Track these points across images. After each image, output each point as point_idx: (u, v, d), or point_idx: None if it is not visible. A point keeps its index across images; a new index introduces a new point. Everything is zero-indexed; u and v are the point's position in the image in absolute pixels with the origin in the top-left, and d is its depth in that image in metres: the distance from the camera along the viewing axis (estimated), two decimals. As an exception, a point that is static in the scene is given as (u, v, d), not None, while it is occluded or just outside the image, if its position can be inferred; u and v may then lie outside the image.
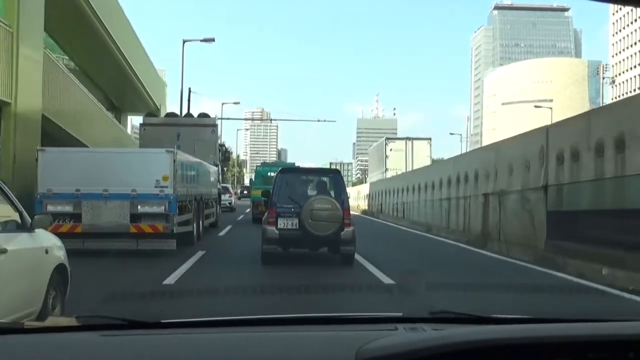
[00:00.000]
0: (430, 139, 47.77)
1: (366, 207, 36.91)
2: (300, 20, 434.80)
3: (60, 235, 10.34)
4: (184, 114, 24.38)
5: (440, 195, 19.06)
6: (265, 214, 10.91)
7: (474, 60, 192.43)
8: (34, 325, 1.78)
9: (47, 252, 5.25)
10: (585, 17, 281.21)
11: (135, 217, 11.12)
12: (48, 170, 11.09)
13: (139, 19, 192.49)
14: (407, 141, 47.00)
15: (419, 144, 46.47)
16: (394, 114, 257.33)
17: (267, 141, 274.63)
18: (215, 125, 19.83)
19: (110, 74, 27.01)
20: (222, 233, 17.36)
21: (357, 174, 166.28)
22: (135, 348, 1.54)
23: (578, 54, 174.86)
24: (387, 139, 49.77)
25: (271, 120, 53.40)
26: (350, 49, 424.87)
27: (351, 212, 10.89)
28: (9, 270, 4.54)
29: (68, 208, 10.99)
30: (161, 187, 11.10)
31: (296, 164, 28.46)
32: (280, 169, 13.11)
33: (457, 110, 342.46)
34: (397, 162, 44.72)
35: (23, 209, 5.06)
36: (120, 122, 32.15)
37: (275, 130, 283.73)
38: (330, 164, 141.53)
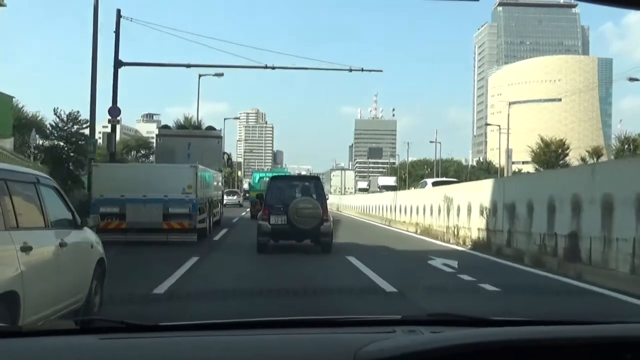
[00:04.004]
0: (355, 169, 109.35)
1: (480, 235, 15.73)
2: (295, 17, 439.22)
3: (109, 231, 14.81)
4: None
5: None
6: (260, 212, 14.20)
7: (477, 58, 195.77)
8: (32, 329, 1.87)
9: (92, 246, 6.29)
10: (592, 13, 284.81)
11: (167, 216, 15.19)
12: (100, 180, 15.33)
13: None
14: (342, 171, 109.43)
15: (349, 173, 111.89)
16: (393, 115, 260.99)
17: (262, 143, 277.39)
18: (221, 137, 24.26)
19: None
20: (234, 220, 26.65)
21: (356, 178, 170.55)
22: (133, 351, 1.62)
23: (585, 52, 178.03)
24: (332, 169, 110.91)
25: (271, 67, 33.45)
26: (347, 46, 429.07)
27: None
28: (67, 261, 5.41)
29: (115, 209, 15.05)
30: (186, 193, 15.23)
31: (288, 168, 34.32)
32: (272, 176, 17.49)
33: (459, 110, 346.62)
34: (337, 184, 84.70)
35: (74, 210, 6.12)
36: None
37: (271, 132, 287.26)
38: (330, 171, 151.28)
